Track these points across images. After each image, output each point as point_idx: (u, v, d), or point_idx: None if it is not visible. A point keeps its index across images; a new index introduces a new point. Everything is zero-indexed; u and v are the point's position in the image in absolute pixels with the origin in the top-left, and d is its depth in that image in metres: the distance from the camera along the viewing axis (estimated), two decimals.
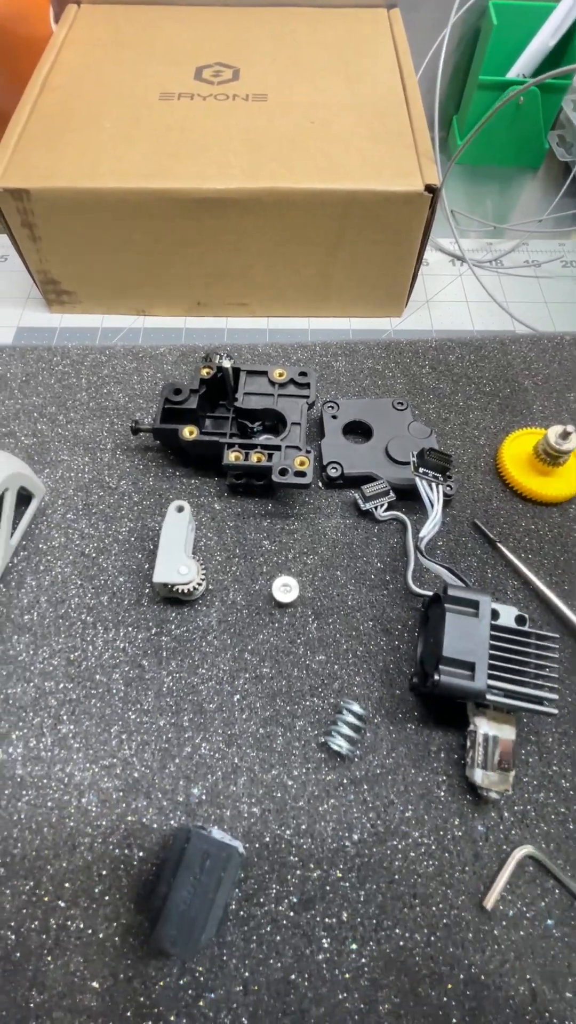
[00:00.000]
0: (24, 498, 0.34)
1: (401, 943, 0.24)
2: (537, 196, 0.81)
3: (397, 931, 0.25)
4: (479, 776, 0.26)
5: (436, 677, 0.25)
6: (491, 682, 0.25)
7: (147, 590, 0.33)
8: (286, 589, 0.32)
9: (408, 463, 0.35)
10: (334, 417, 0.38)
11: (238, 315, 0.64)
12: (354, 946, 0.24)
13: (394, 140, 0.56)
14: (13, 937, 0.24)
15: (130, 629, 0.31)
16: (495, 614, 0.27)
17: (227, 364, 0.36)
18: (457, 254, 0.70)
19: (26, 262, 0.55)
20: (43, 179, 0.51)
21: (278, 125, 0.57)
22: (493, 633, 0.26)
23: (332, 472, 0.36)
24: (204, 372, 0.36)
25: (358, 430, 0.39)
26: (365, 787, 0.27)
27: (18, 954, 0.24)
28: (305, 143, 0.56)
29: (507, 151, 0.82)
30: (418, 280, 0.64)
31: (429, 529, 0.31)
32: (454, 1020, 0.23)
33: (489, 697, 0.25)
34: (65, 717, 0.29)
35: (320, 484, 0.37)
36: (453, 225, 0.64)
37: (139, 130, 0.56)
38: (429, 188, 0.52)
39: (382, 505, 0.35)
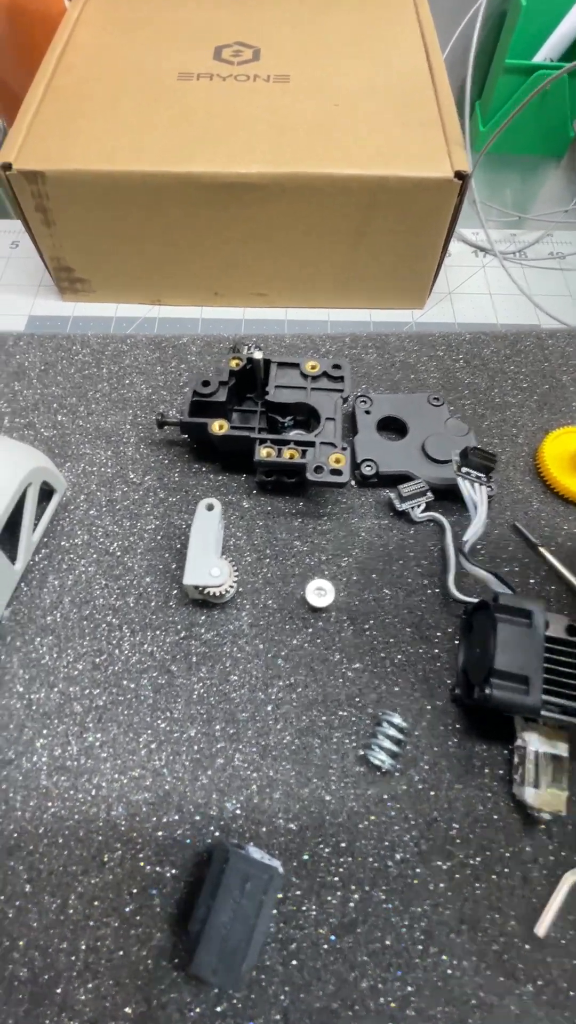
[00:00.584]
0: (45, 493, 0.33)
1: (449, 971, 0.23)
2: (561, 185, 0.79)
3: (444, 958, 0.23)
4: (530, 796, 0.24)
5: (488, 692, 0.24)
6: (546, 697, 0.24)
7: (175, 591, 0.31)
8: (321, 593, 0.30)
9: (446, 462, 0.34)
10: (367, 412, 0.37)
11: (256, 305, 0.62)
12: (399, 972, 0.23)
13: (422, 124, 0.54)
14: (40, 958, 0.23)
15: (158, 632, 0.30)
16: (545, 624, 0.26)
17: (258, 356, 0.34)
18: (482, 245, 0.68)
19: (39, 248, 0.53)
20: (59, 161, 0.49)
21: (302, 108, 0.55)
22: (547, 645, 0.25)
23: (366, 470, 0.34)
24: (234, 363, 0.35)
25: (392, 426, 0.37)
26: (406, 803, 0.26)
27: (46, 976, 0.23)
28: (330, 127, 0.54)
29: (531, 138, 0.79)
30: (440, 272, 0.62)
31: (473, 532, 0.29)
32: None
33: (544, 713, 0.24)
34: (91, 725, 0.28)
35: (353, 483, 0.35)
36: (482, 215, 0.62)
37: (158, 112, 0.54)
38: (459, 175, 0.50)
39: (419, 506, 0.33)
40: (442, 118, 0.54)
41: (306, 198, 0.52)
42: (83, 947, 0.23)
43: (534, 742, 0.25)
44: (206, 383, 0.34)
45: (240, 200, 0.53)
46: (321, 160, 0.51)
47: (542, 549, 0.33)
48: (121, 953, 0.23)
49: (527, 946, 0.24)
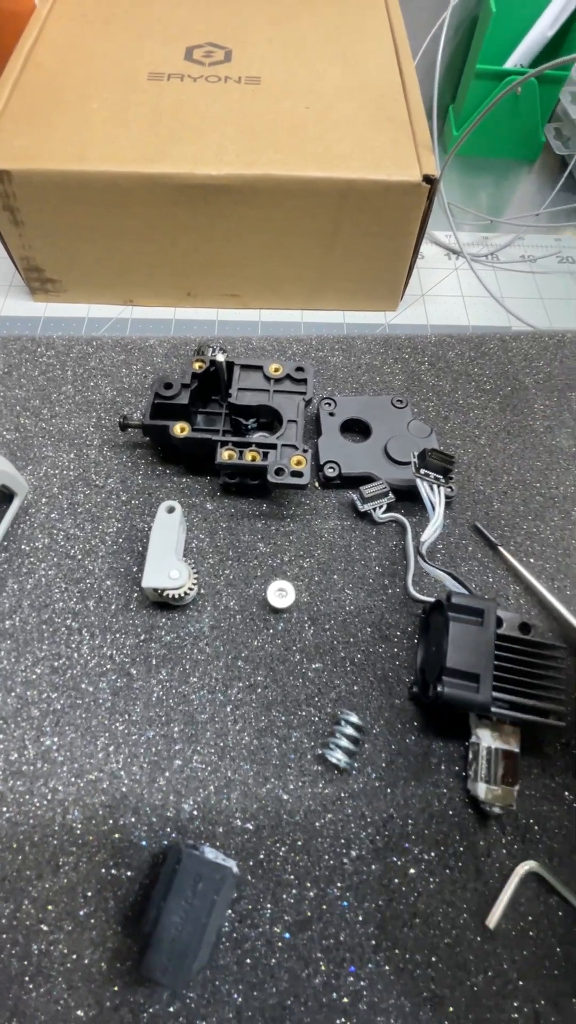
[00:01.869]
0: (5, 496, 0.33)
1: (401, 964, 0.23)
2: (533, 190, 0.80)
3: (396, 952, 0.24)
4: (482, 790, 0.25)
5: (439, 689, 0.24)
6: (496, 694, 0.24)
7: (136, 594, 0.31)
8: (282, 594, 0.31)
9: (408, 463, 0.34)
10: (331, 415, 0.37)
11: (230, 307, 0.62)
12: (352, 968, 0.23)
13: (392, 128, 0.54)
14: None
15: (118, 635, 0.30)
16: (499, 622, 0.26)
17: (220, 358, 0.34)
18: (454, 248, 0.69)
19: (8, 248, 0.53)
20: (27, 160, 0.48)
21: (273, 110, 0.55)
22: (498, 643, 0.25)
23: (329, 472, 0.34)
24: (196, 366, 0.35)
25: (356, 428, 0.37)
26: (363, 801, 0.26)
27: None
28: (302, 129, 0.54)
29: (504, 143, 0.81)
30: (413, 274, 0.62)
31: (431, 533, 0.30)
32: None
33: (494, 710, 0.24)
34: (48, 729, 0.28)
35: (317, 484, 0.36)
36: (451, 219, 0.63)
37: (129, 112, 0.53)
38: (427, 179, 0.51)
39: (381, 506, 0.34)
40: (412, 122, 0.55)
41: (277, 200, 0.53)
42: (35, 951, 0.23)
43: (486, 738, 0.26)
44: (168, 385, 0.34)
45: (211, 202, 0.53)
46: (291, 162, 0.52)
47: (501, 548, 0.33)
48: (75, 956, 0.23)
49: (478, 938, 0.24)
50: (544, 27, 0.70)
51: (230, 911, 0.24)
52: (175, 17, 0.61)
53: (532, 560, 0.33)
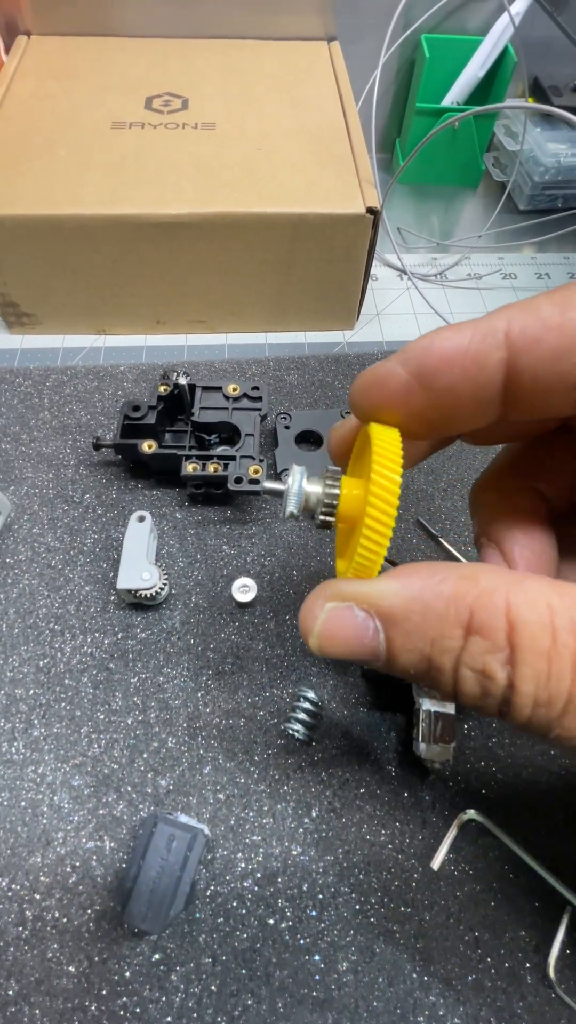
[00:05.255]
0: None
1: (357, 906, 0.27)
2: (477, 213, 0.87)
3: (353, 896, 0.27)
4: (423, 749, 0.28)
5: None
6: None
7: (112, 598, 0.34)
8: (245, 589, 0.34)
9: None
10: (287, 428, 0.41)
11: (197, 332, 0.66)
12: (313, 912, 0.26)
13: (337, 166, 0.60)
14: None
15: (97, 635, 0.33)
16: None
17: (183, 381, 0.38)
18: (403, 269, 0.75)
19: None
20: (0, 206, 0.52)
21: (227, 152, 0.60)
22: None
23: None
24: (161, 389, 0.39)
25: (310, 439, 0.41)
26: (322, 767, 0.30)
27: None
28: (253, 169, 0.59)
29: (448, 172, 0.87)
30: (368, 294, 0.67)
31: None
32: (406, 969, 0.25)
33: None
34: (36, 721, 0.30)
35: None
36: (395, 243, 0.68)
37: (93, 158, 0.58)
38: (370, 211, 0.56)
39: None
40: (355, 159, 0.61)
41: (234, 234, 0.57)
42: (30, 917, 0.26)
43: (427, 704, 0.29)
44: (136, 407, 0.38)
45: (173, 238, 0.58)
46: (245, 200, 0.56)
47: (442, 540, 0.37)
48: (65, 919, 0.26)
49: (424, 879, 0.27)
50: (475, 68, 0.76)
51: (205, 871, 0.27)
52: (136, 69, 0.66)
53: (470, 549, 0.37)
